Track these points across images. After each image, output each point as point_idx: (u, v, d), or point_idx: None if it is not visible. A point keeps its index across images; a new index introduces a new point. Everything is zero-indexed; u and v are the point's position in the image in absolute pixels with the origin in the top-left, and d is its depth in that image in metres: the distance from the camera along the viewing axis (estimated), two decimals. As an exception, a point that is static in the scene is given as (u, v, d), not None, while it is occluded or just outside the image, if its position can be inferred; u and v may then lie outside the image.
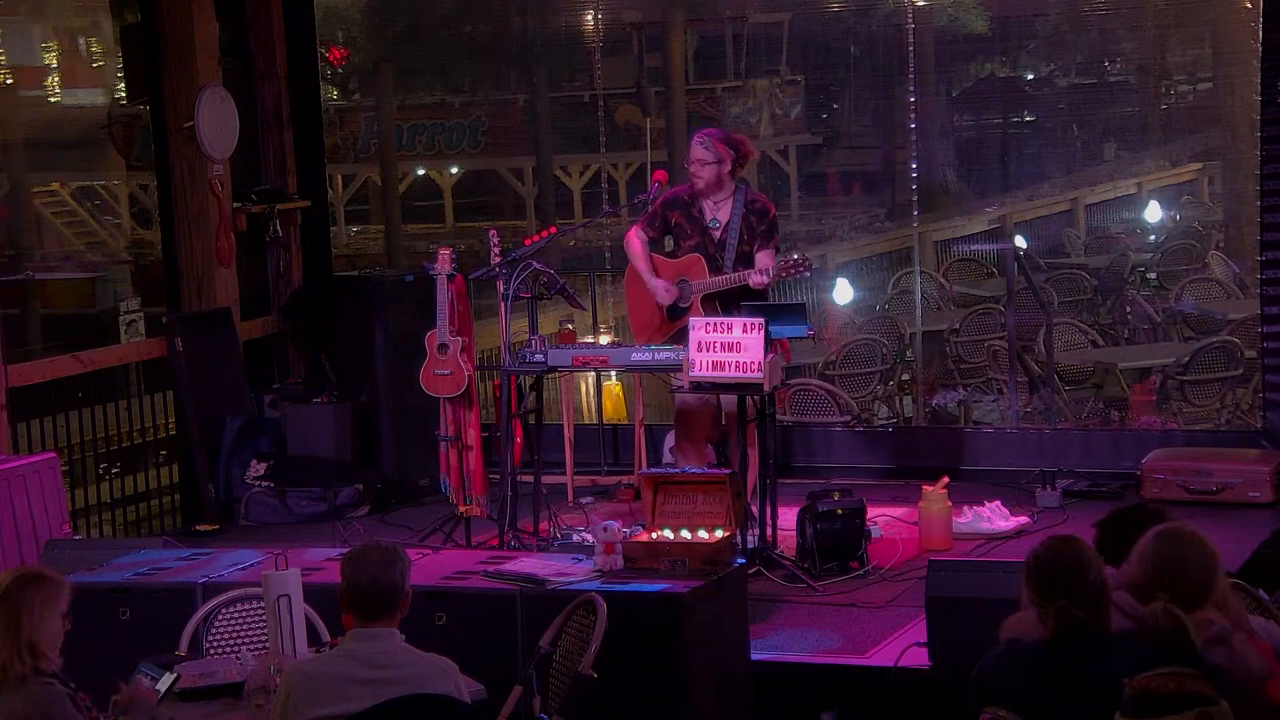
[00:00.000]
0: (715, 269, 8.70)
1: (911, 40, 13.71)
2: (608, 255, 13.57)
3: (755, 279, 8.51)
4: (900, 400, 12.62)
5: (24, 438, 9.47)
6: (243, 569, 6.93)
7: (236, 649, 6.02)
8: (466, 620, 6.55)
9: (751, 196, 8.82)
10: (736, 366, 8.04)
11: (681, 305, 8.78)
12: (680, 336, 8.68)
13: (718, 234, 8.74)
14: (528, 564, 6.91)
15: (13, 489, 8.35)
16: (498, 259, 8.71)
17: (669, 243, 8.98)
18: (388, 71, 21.86)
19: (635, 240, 8.94)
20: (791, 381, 11.18)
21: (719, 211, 8.76)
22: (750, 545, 8.04)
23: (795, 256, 8.64)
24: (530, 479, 8.73)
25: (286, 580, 5.59)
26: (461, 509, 8.90)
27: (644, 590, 6.42)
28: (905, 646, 6.86)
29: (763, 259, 8.60)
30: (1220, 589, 4.91)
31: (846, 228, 20.21)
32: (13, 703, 4.83)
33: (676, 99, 21.41)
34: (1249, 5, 12.10)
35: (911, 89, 13.77)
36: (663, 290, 8.79)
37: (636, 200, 8.92)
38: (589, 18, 17.47)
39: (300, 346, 11.09)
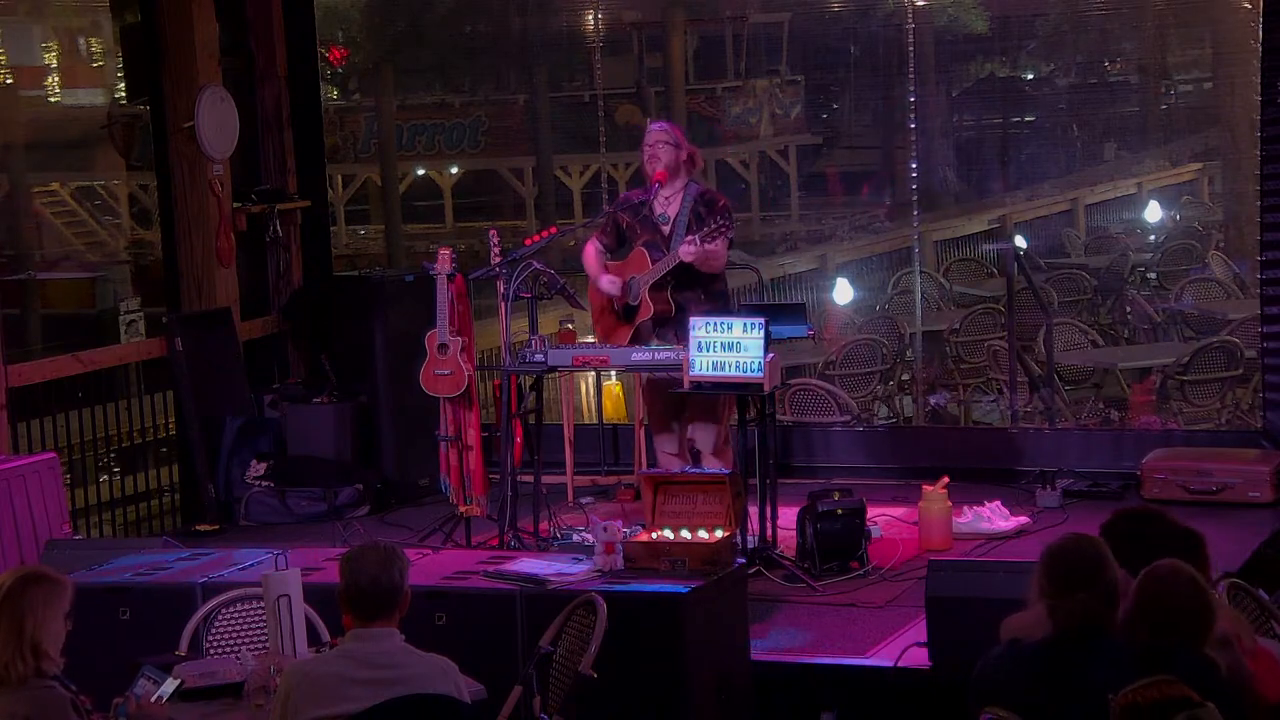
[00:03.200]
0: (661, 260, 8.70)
1: (911, 40, 13.70)
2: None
3: (683, 250, 8.50)
4: (900, 400, 12.62)
5: (24, 438, 9.47)
6: (243, 569, 6.93)
7: (236, 649, 6.02)
8: (466, 620, 6.55)
9: (702, 189, 8.86)
10: (736, 366, 8.04)
11: (631, 303, 8.77)
12: (640, 336, 8.69)
13: (666, 228, 8.76)
14: (528, 564, 6.91)
15: (13, 489, 8.35)
16: (498, 259, 8.70)
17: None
18: (388, 71, 21.87)
19: (589, 248, 9.00)
20: (792, 381, 11.19)
21: (669, 206, 8.78)
22: (749, 545, 8.04)
23: (714, 220, 8.58)
24: (530, 479, 8.73)
25: (286, 580, 5.59)
26: (461, 509, 8.90)
27: (644, 590, 6.42)
28: (905, 646, 6.86)
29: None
30: (1216, 631, 4.81)
31: (846, 228, 20.21)
32: (14, 704, 4.82)
33: (676, 99, 21.43)
34: (1249, 5, 12.09)
35: (911, 89, 13.77)
36: (606, 282, 8.81)
37: (637, 200, 8.92)
38: (589, 18, 17.46)
39: (300, 346, 11.09)
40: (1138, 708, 4.17)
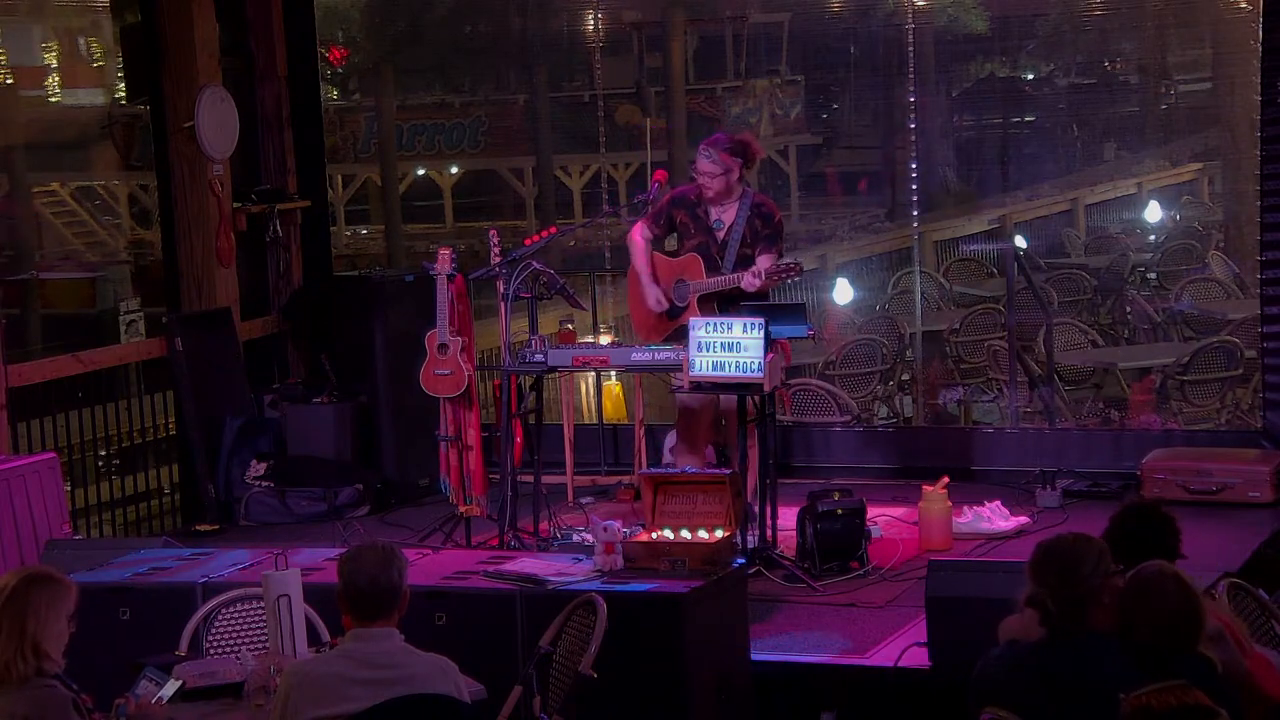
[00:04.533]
0: (714, 269, 8.69)
1: (911, 40, 13.70)
2: (607, 255, 13.57)
3: (748, 280, 8.50)
4: (900, 400, 12.62)
5: (24, 438, 9.47)
6: (243, 569, 6.93)
7: (236, 649, 6.02)
8: (466, 620, 6.55)
9: (758, 200, 8.80)
10: (736, 366, 8.04)
11: (679, 305, 8.77)
12: (678, 335, 8.68)
13: (721, 235, 8.74)
14: (528, 564, 6.91)
15: (13, 489, 8.35)
16: (498, 259, 8.71)
17: (671, 241, 8.99)
18: (388, 71, 21.85)
19: (638, 238, 8.94)
20: (791, 381, 11.18)
21: (724, 213, 8.75)
22: (750, 545, 8.04)
23: (787, 261, 8.62)
24: (530, 479, 8.73)
25: (286, 580, 5.59)
26: (461, 509, 8.90)
27: (644, 590, 6.43)
28: (905, 646, 6.86)
29: (762, 261, 8.59)
30: (1208, 628, 4.81)
31: (846, 228, 20.19)
32: (14, 704, 4.82)
33: (676, 99, 21.39)
34: (1248, 5, 12.09)
35: (911, 89, 13.77)
36: (654, 300, 8.79)
37: (636, 200, 8.92)
38: (589, 18, 17.47)
39: (300, 346, 11.09)
40: (1150, 712, 4.15)
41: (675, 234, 8.93)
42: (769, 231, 8.71)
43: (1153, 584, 4.78)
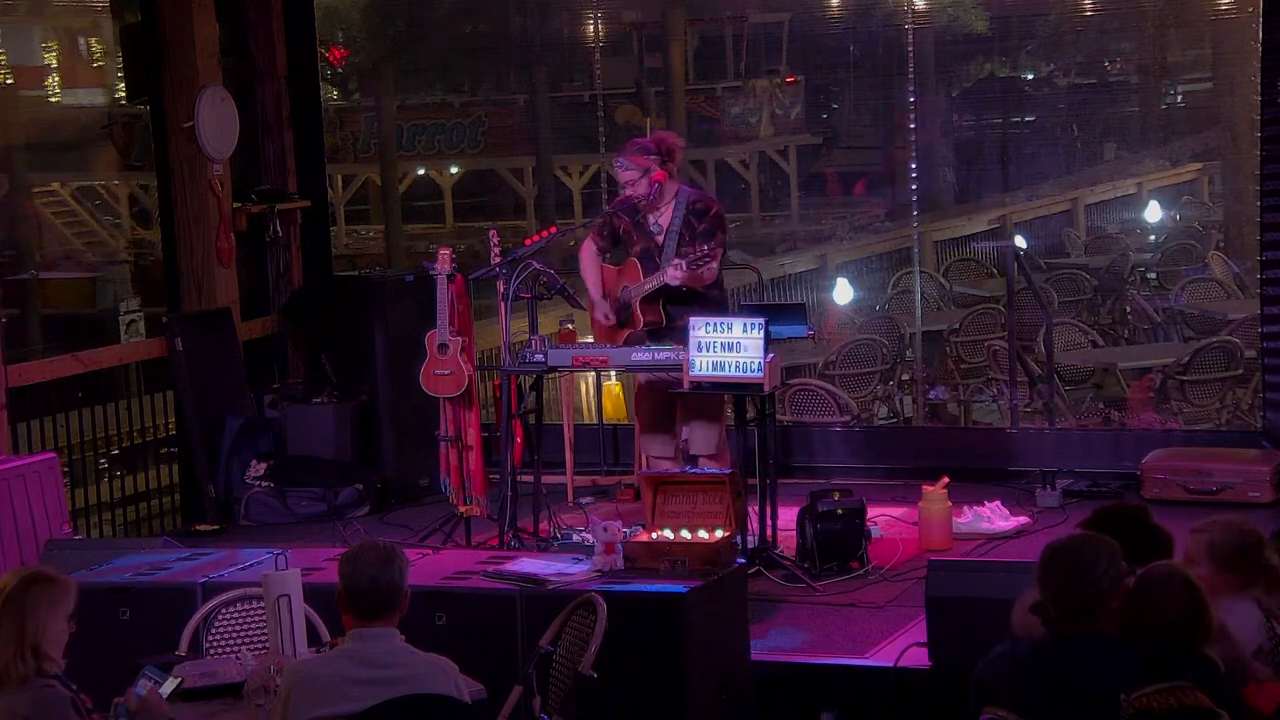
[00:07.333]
0: (653, 271, 8.66)
1: (911, 40, 13.71)
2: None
3: (670, 275, 8.42)
4: (900, 400, 12.62)
5: (24, 438, 9.47)
6: (243, 569, 6.93)
7: (236, 649, 6.02)
8: (466, 620, 6.55)
9: (694, 198, 8.75)
10: (736, 367, 8.04)
11: (626, 308, 8.75)
12: (638, 338, 8.67)
13: (660, 238, 8.72)
14: (528, 564, 6.91)
15: (13, 489, 8.35)
16: (498, 259, 8.71)
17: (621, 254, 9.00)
18: (388, 71, 21.85)
19: (585, 252, 8.96)
20: (791, 381, 11.19)
21: (660, 217, 8.74)
22: (749, 545, 8.04)
23: (702, 247, 8.52)
24: (530, 479, 8.73)
25: (286, 580, 5.59)
26: (461, 509, 8.90)
27: (644, 590, 6.43)
28: (905, 646, 6.86)
29: (683, 253, 8.52)
30: (1213, 632, 4.81)
31: (846, 228, 20.20)
32: (14, 704, 4.82)
33: (676, 99, 21.42)
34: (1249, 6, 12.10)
35: (911, 89, 13.78)
36: (600, 314, 8.79)
37: (638, 201, 8.91)
38: (589, 18, 17.49)
39: (300, 346, 11.09)
40: (1151, 713, 4.15)
41: (621, 244, 8.91)
42: (704, 226, 8.62)
43: (1159, 585, 4.78)
